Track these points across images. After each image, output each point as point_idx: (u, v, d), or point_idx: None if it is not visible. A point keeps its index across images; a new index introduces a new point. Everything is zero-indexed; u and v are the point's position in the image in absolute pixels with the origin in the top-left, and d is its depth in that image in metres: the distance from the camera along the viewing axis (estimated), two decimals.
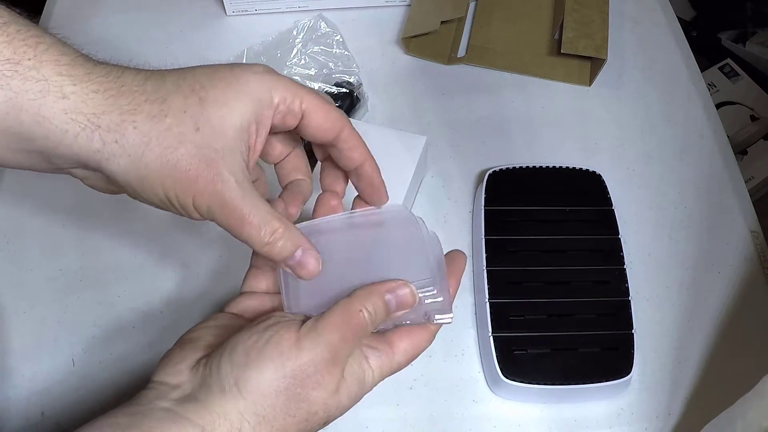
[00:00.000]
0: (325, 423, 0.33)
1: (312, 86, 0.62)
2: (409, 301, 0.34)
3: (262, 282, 0.39)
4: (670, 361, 0.50)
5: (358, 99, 0.60)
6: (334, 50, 0.64)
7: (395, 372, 0.36)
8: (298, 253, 0.34)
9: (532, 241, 0.52)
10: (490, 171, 0.55)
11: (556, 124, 0.62)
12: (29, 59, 0.30)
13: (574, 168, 0.56)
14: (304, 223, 0.37)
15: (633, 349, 0.48)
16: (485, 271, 0.50)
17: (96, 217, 0.57)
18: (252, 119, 0.33)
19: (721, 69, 1.22)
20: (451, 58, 0.66)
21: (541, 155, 0.60)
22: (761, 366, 0.39)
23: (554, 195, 0.54)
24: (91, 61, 0.32)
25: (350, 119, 0.37)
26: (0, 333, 0.51)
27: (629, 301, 0.50)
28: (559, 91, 0.65)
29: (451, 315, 0.35)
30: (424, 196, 0.58)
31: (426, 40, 0.66)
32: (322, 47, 0.64)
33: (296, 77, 0.63)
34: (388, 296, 0.34)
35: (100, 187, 0.36)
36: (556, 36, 0.66)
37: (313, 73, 0.63)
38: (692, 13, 1.31)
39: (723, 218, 0.57)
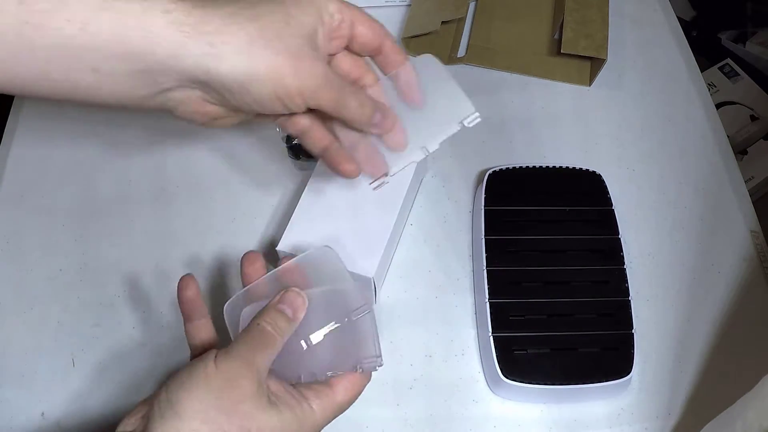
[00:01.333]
0: None
1: None
2: (298, 302, 0.38)
3: (202, 332, 0.41)
4: (670, 361, 0.50)
5: None
6: None
7: (341, 410, 0.38)
8: (378, 116, 0.40)
9: (532, 241, 0.52)
10: (490, 171, 0.55)
11: (556, 124, 0.62)
12: None
13: (574, 168, 0.56)
14: (242, 291, 0.41)
15: (633, 349, 0.48)
16: (485, 271, 0.50)
17: (96, 217, 0.57)
18: (318, 22, 0.38)
19: (721, 69, 1.22)
20: (451, 58, 0.66)
21: (541, 155, 0.60)
22: (761, 366, 0.39)
23: (554, 195, 0.54)
24: None
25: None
26: (0, 333, 0.51)
27: (629, 301, 0.50)
28: (559, 91, 0.65)
29: (379, 363, 0.38)
30: (424, 196, 0.58)
31: (426, 40, 0.66)
32: None
33: None
34: (280, 306, 0.38)
35: (196, 109, 0.38)
36: (556, 36, 0.66)
37: None
38: (692, 13, 1.31)
39: (723, 218, 0.57)
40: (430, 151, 0.42)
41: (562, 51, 0.62)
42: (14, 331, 0.52)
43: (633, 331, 0.48)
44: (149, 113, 0.62)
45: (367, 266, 0.49)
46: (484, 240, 0.52)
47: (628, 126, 0.62)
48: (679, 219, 0.57)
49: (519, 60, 0.66)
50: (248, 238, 0.55)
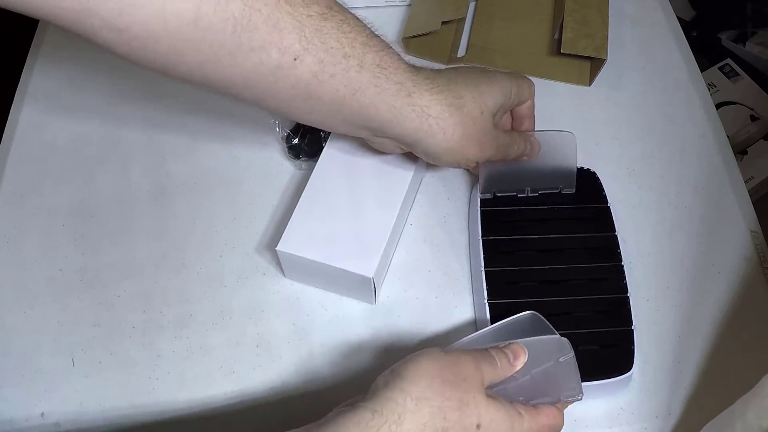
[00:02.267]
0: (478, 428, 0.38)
1: None
2: (520, 353, 0.42)
3: None
4: (670, 361, 0.50)
5: None
6: None
7: (542, 428, 0.41)
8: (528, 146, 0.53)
9: (529, 240, 0.52)
10: (486, 170, 0.54)
11: (556, 124, 0.62)
12: (390, 66, 0.43)
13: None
14: (462, 340, 0.45)
15: (633, 346, 0.48)
16: (483, 272, 0.50)
17: (96, 217, 0.57)
18: (504, 103, 0.50)
19: (721, 69, 1.22)
20: (451, 58, 0.66)
21: (541, 155, 0.60)
22: (761, 366, 0.39)
23: (550, 194, 0.54)
24: (412, 66, 0.46)
25: None
26: (0, 333, 0.51)
27: (628, 297, 0.50)
28: (559, 91, 0.65)
29: (579, 397, 0.43)
30: (424, 196, 0.58)
31: (426, 40, 0.66)
32: None
33: None
34: (506, 350, 0.41)
35: (388, 148, 0.50)
36: (556, 36, 0.66)
37: None
38: (692, 13, 1.31)
39: (723, 218, 0.57)
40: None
41: (562, 51, 0.62)
42: (14, 331, 0.52)
43: (633, 327, 0.48)
44: (152, 112, 0.62)
45: (366, 266, 0.49)
46: (481, 241, 0.52)
47: (628, 126, 0.62)
48: (679, 219, 0.57)
49: (519, 60, 0.66)
50: (248, 238, 0.55)
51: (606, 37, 0.62)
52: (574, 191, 0.54)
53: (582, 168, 0.56)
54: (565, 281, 0.50)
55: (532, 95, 0.53)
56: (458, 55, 0.67)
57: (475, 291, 0.53)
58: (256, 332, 0.51)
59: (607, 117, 0.63)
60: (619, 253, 0.51)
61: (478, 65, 0.65)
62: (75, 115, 0.62)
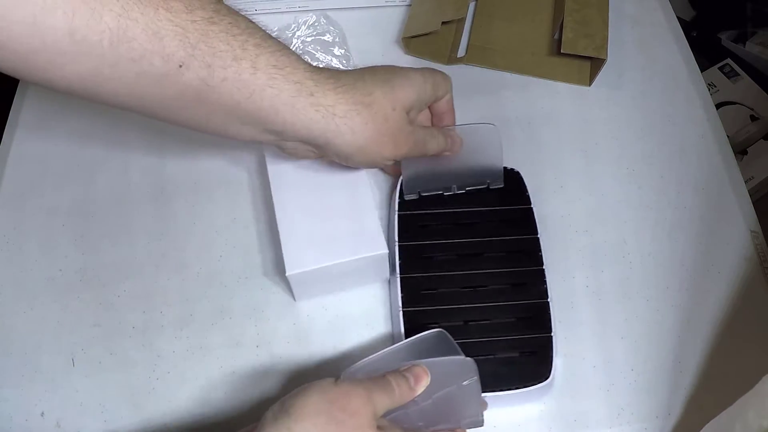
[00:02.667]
0: None
1: None
2: (422, 377, 0.41)
3: None
4: (670, 361, 0.50)
5: None
6: (336, 50, 0.64)
7: None
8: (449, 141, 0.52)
9: (447, 245, 0.51)
10: (408, 170, 0.52)
11: (556, 124, 0.62)
12: (287, 66, 0.42)
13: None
14: (365, 360, 0.43)
15: (552, 353, 0.47)
16: (399, 278, 0.49)
17: (96, 217, 0.57)
18: (418, 98, 0.48)
19: (721, 69, 1.22)
20: (451, 58, 0.66)
21: (541, 155, 0.60)
22: (761, 366, 0.39)
23: (471, 195, 0.53)
24: (313, 66, 0.44)
25: None
26: (0, 333, 0.51)
27: (548, 303, 0.49)
28: (559, 91, 0.65)
29: (479, 423, 0.43)
30: None
31: (426, 40, 0.66)
32: (323, 45, 0.64)
33: None
34: (407, 374, 0.41)
35: (300, 153, 0.48)
36: (556, 36, 0.66)
37: None
38: (692, 13, 1.31)
39: (723, 218, 0.57)
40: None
41: (562, 51, 0.62)
42: (14, 331, 0.52)
43: (552, 334, 0.48)
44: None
45: (377, 244, 0.49)
46: (397, 245, 0.51)
47: (628, 126, 0.62)
48: (679, 219, 0.57)
49: (519, 60, 0.66)
50: (248, 238, 0.55)
51: (606, 37, 0.62)
52: (502, 185, 0.53)
53: (506, 168, 0.54)
54: (485, 287, 0.49)
55: (449, 90, 0.52)
56: (458, 55, 0.67)
57: (392, 297, 0.51)
58: (256, 332, 0.51)
59: (607, 117, 0.63)
60: (540, 256, 0.50)
61: (478, 65, 0.65)
62: (75, 115, 0.62)
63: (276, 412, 0.37)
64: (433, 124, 0.53)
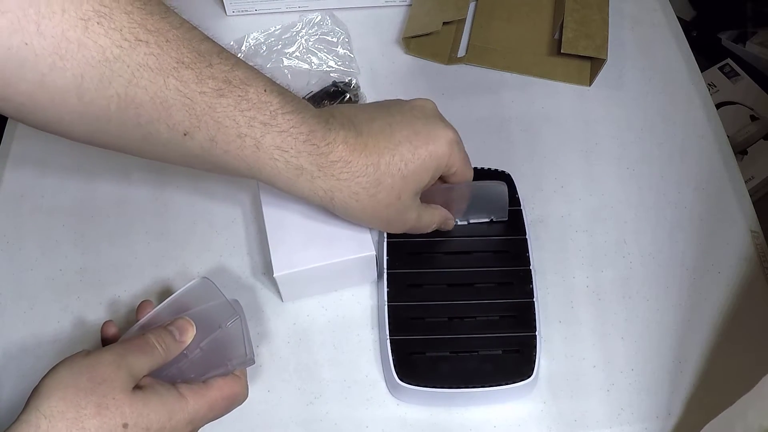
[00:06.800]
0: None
1: (305, 81, 0.62)
2: (186, 327, 0.42)
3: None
4: (670, 361, 0.50)
5: (351, 101, 0.61)
6: (339, 49, 0.64)
7: (216, 405, 0.41)
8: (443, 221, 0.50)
9: (435, 243, 0.51)
10: None
11: (556, 124, 0.62)
12: (291, 149, 0.41)
13: (482, 168, 0.55)
14: (137, 324, 0.44)
15: (535, 352, 0.47)
16: (385, 273, 0.50)
17: (96, 217, 0.57)
18: (432, 179, 0.46)
19: (721, 69, 1.22)
20: (451, 58, 0.66)
21: (541, 155, 0.60)
22: (761, 366, 0.39)
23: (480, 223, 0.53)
24: (324, 143, 0.41)
25: None
26: (0, 333, 0.51)
27: (533, 302, 0.49)
28: (559, 91, 0.65)
29: (249, 362, 0.42)
30: None
31: (426, 40, 0.66)
32: (326, 45, 0.64)
33: (287, 70, 0.63)
34: (170, 328, 0.41)
35: None
36: (556, 36, 0.66)
37: (310, 69, 0.63)
38: (692, 13, 1.31)
39: (723, 218, 0.57)
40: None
41: (562, 51, 0.62)
42: (14, 331, 0.52)
43: (536, 333, 0.48)
44: None
45: (364, 246, 0.49)
46: (386, 243, 0.51)
47: (628, 126, 0.62)
48: (679, 219, 0.57)
49: (519, 60, 0.66)
50: (248, 238, 0.55)
51: (606, 38, 0.62)
52: (506, 219, 0.52)
53: (497, 170, 0.55)
54: (471, 284, 0.49)
55: (464, 163, 0.48)
56: (458, 55, 0.67)
57: (379, 292, 0.52)
58: (256, 332, 0.51)
59: (607, 117, 0.63)
60: (528, 257, 0.51)
61: (478, 65, 0.65)
62: None
63: (30, 394, 0.36)
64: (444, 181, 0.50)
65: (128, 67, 0.35)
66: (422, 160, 0.44)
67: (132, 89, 0.36)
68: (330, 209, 0.45)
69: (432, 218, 0.49)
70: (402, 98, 0.68)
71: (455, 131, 0.46)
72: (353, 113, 0.45)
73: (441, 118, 0.47)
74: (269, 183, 0.43)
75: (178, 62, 0.37)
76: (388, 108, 0.46)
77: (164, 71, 0.36)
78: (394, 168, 0.43)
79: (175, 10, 0.39)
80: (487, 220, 0.52)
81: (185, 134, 0.38)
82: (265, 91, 0.40)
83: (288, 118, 0.40)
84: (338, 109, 0.45)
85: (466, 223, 0.52)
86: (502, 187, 0.51)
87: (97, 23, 0.34)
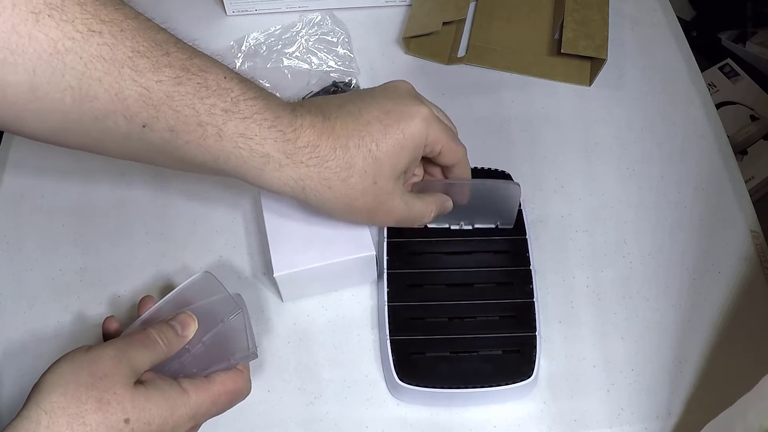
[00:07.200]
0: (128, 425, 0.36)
1: (305, 81, 0.62)
2: (188, 322, 0.42)
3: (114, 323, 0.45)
4: (670, 361, 0.50)
5: None
6: (339, 50, 0.64)
7: (219, 400, 0.40)
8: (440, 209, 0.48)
9: (434, 242, 0.51)
10: None
11: (556, 124, 0.62)
12: (256, 135, 0.39)
13: (482, 168, 0.55)
14: (139, 319, 0.44)
15: (535, 352, 0.47)
16: (385, 273, 0.50)
17: (96, 217, 0.57)
18: (411, 161, 0.44)
19: (721, 69, 1.22)
20: (451, 58, 0.66)
21: (541, 155, 0.60)
22: (761, 366, 0.39)
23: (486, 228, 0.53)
24: (290, 129, 0.40)
25: None
26: (0, 332, 0.51)
27: (533, 302, 0.49)
28: (559, 91, 0.65)
29: (252, 356, 0.42)
30: None
31: (426, 40, 0.66)
32: (326, 45, 0.64)
33: (287, 70, 0.63)
34: (172, 322, 0.41)
35: None
36: (556, 36, 0.66)
37: (310, 69, 0.63)
38: (692, 13, 1.31)
39: (723, 218, 0.57)
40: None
41: (562, 51, 0.62)
42: (14, 331, 0.52)
43: (536, 333, 0.48)
44: None
45: (364, 246, 0.49)
46: (386, 242, 0.51)
47: (628, 126, 0.62)
48: (679, 219, 0.57)
49: (519, 60, 0.66)
50: (248, 238, 0.55)
51: (606, 38, 0.62)
52: (512, 227, 0.52)
53: (496, 169, 0.55)
54: (471, 284, 0.49)
55: (450, 139, 0.45)
56: (458, 55, 0.67)
57: (379, 292, 0.52)
58: (256, 332, 0.51)
59: (607, 117, 0.63)
60: (528, 257, 0.51)
61: (478, 65, 0.65)
62: None
63: (31, 389, 0.36)
64: (443, 175, 0.49)
65: (81, 59, 0.34)
66: (396, 139, 0.42)
67: (86, 81, 0.35)
68: (304, 202, 0.43)
69: (426, 207, 0.46)
70: None
71: (431, 108, 0.44)
72: (322, 101, 0.43)
73: (415, 96, 0.45)
74: (237, 176, 0.41)
75: (133, 51, 0.36)
76: (359, 93, 0.44)
77: (119, 62, 0.35)
78: (365, 149, 0.41)
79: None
80: (492, 226, 0.52)
81: (144, 126, 0.37)
82: (225, 78, 0.39)
83: (251, 104, 0.39)
84: (307, 99, 0.44)
85: (470, 227, 0.52)
86: (515, 191, 0.49)
87: (48, 16, 0.33)
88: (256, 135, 0.39)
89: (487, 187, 0.50)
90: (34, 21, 0.33)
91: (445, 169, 0.48)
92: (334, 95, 0.45)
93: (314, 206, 0.43)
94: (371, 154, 0.42)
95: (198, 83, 0.38)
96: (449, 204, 0.48)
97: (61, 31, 0.34)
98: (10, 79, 0.34)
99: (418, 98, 0.45)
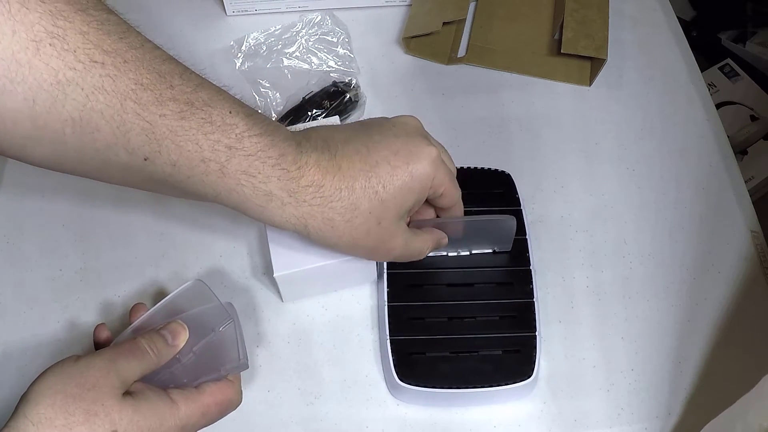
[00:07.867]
0: None
1: (305, 81, 0.62)
2: (179, 331, 0.41)
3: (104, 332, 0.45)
4: (670, 361, 0.50)
5: (351, 101, 0.61)
6: (339, 50, 0.64)
7: (209, 411, 0.40)
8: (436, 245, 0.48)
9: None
10: None
11: (556, 124, 0.62)
12: (259, 173, 0.39)
13: (483, 168, 0.55)
14: (130, 327, 0.43)
15: (535, 352, 0.47)
16: (385, 273, 0.50)
17: (96, 217, 0.57)
18: (416, 203, 0.43)
19: (721, 69, 1.22)
20: (451, 58, 0.66)
21: (541, 155, 0.60)
22: (761, 366, 0.39)
23: (463, 196, 0.52)
24: (295, 166, 0.39)
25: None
26: (0, 333, 0.51)
27: (533, 302, 0.49)
28: (559, 91, 0.65)
29: (243, 367, 0.42)
30: None
31: (426, 39, 0.66)
32: (326, 45, 0.64)
33: (287, 70, 0.63)
34: (162, 332, 0.41)
35: None
36: (556, 36, 0.66)
37: (310, 69, 0.63)
38: (692, 13, 1.31)
39: (723, 218, 0.57)
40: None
41: (562, 51, 0.62)
42: (14, 331, 0.52)
43: (536, 333, 0.48)
44: None
45: None
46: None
47: (628, 126, 0.62)
48: (679, 219, 0.57)
49: (519, 60, 0.66)
50: (248, 238, 0.55)
51: (606, 37, 0.62)
52: (509, 250, 0.51)
53: (497, 170, 0.55)
54: (471, 284, 0.49)
55: (451, 182, 0.45)
56: (458, 55, 0.67)
57: (379, 293, 0.52)
58: (256, 332, 0.51)
59: (607, 117, 0.63)
60: (528, 257, 0.51)
61: (478, 65, 0.65)
62: None
63: (19, 400, 0.36)
64: (437, 215, 0.48)
65: (83, 90, 0.33)
66: (402, 181, 0.41)
67: (87, 113, 0.34)
68: (306, 237, 0.42)
69: (423, 244, 0.46)
70: (401, 98, 0.69)
71: (439, 149, 0.44)
72: (329, 134, 0.42)
73: (424, 136, 0.44)
74: (239, 210, 0.41)
75: (136, 84, 0.35)
76: (367, 128, 0.43)
77: (121, 94, 0.34)
78: (371, 191, 0.41)
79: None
80: (489, 251, 0.52)
81: (146, 159, 0.37)
82: (230, 113, 0.38)
83: (255, 141, 0.38)
84: (314, 130, 0.43)
85: (468, 253, 0.52)
86: (510, 222, 0.49)
87: (50, 44, 0.32)
88: (260, 173, 0.39)
89: (482, 221, 0.49)
90: (35, 49, 0.32)
91: (439, 209, 0.48)
92: (341, 126, 0.44)
93: (316, 242, 0.43)
94: (378, 196, 0.41)
95: (202, 118, 0.37)
96: (445, 240, 0.48)
97: (63, 60, 0.33)
98: (10, 107, 0.33)
99: (427, 138, 0.44)
